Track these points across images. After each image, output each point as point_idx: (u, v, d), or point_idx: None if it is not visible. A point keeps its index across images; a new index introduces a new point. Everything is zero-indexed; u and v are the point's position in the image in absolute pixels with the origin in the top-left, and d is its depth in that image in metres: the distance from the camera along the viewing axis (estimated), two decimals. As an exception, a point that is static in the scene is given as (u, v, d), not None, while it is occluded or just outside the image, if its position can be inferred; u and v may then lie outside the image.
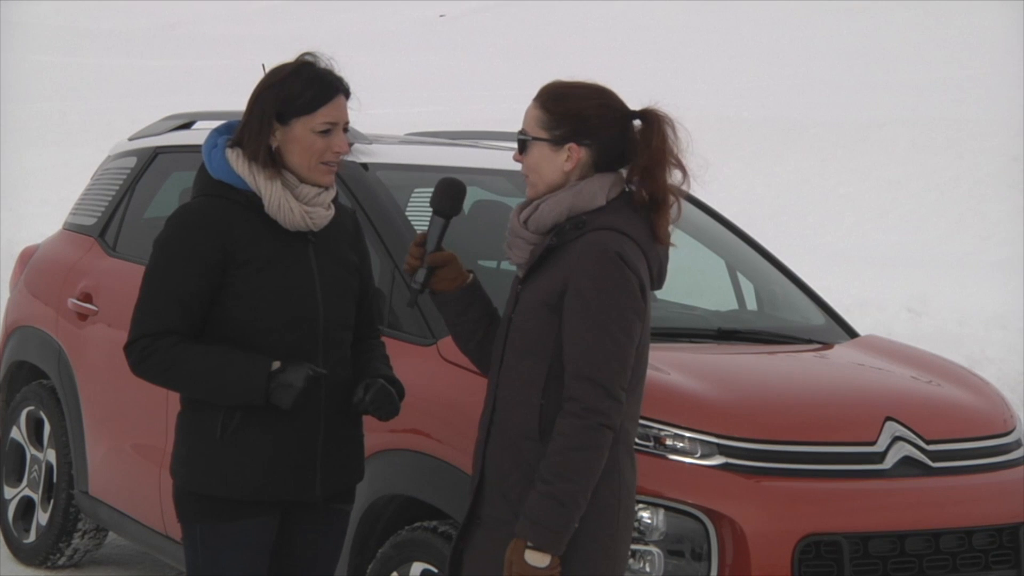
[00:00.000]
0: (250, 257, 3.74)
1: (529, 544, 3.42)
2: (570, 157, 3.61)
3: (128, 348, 3.76)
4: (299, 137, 3.76)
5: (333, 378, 3.80)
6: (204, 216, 3.76)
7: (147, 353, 3.72)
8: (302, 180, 3.78)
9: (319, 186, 3.80)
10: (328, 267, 3.84)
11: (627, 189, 3.65)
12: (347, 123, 3.82)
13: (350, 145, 3.88)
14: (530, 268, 3.62)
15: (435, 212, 3.77)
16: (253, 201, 3.76)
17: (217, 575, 3.81)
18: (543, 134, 3.62)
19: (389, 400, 3.81)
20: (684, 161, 3.63)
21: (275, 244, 3.77)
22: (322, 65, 3.82)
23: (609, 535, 3.55)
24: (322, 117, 3.76)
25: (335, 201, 3.86)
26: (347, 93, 3.83)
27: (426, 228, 3.81)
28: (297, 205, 3.77)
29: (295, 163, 3.77)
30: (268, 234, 3.77)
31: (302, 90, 3.76)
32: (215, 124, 6.09)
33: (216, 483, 3.76)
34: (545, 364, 3.54)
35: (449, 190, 3.79)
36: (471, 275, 3.79)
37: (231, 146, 3.80)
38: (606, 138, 3.61)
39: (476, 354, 3.81)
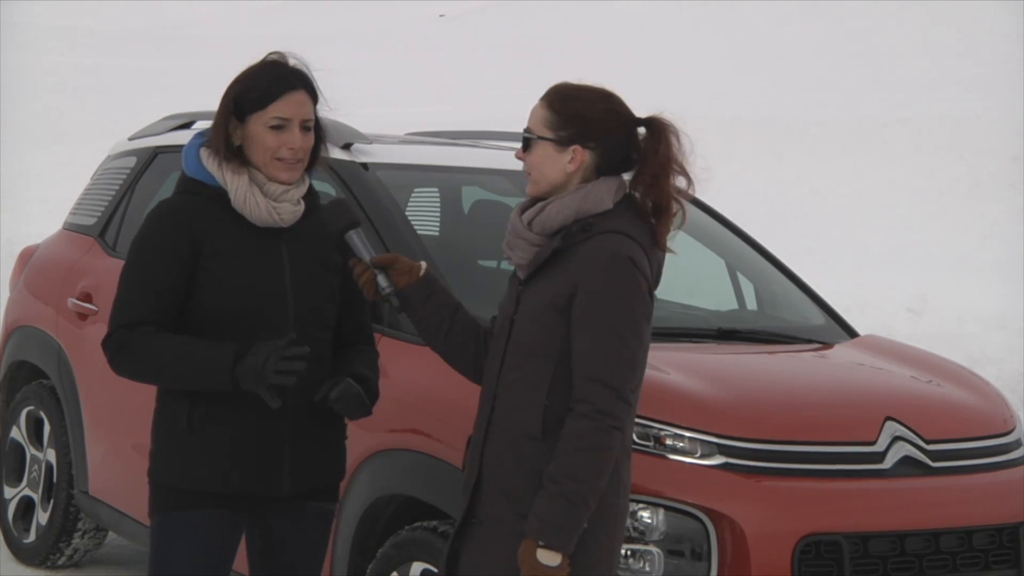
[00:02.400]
0: (218, 250, 3.78)
1: (540, 543, 3.44)
2: (573, 159, 3.62)
3: (105, 341, 3.80)
4: (254, 133, 3.79)
5: (303, 375, 3.76)
6: (174, 211, 3.83)
7: (121, 344, 3.76)
8: (267, 177, 3.81)
9: (282, 183, 3.81)
10: (302, 264, 3.84)
11: (628, 192, 3.66)
12: (306, 120, 3.80)
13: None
14: (534, 269, 3.63)
15: (343, 233, 3.78)
16: (223, 196, 3.81)
17: (165, 562, 3.82)
18: (548, 134, 3.63)
19: (354, 398, 3.79)
20: (688, 169, 3.64)
21: (244, 238, 3.80)
22: (288, 63, 3.83)
23: (609, 535, 3.57)
24: (273, 112, 3.77)
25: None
26: (309, 91, 3.82)
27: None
28: (264, 200, 3.79)
29: (255, 160, 3.81)
30: (238, 229, 3.81)
31: (256, 84, 3.79)
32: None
33: (180, 474, 3.80)
34: (551, 365, 3.54)
35: (336, 210, 3.80)
36: (424, 265, 3.80)
37: (205, 145, 3.86)
38: (611, 143, 3.62)
39: (445, 349, 3.81)
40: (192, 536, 3.81)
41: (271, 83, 3.78)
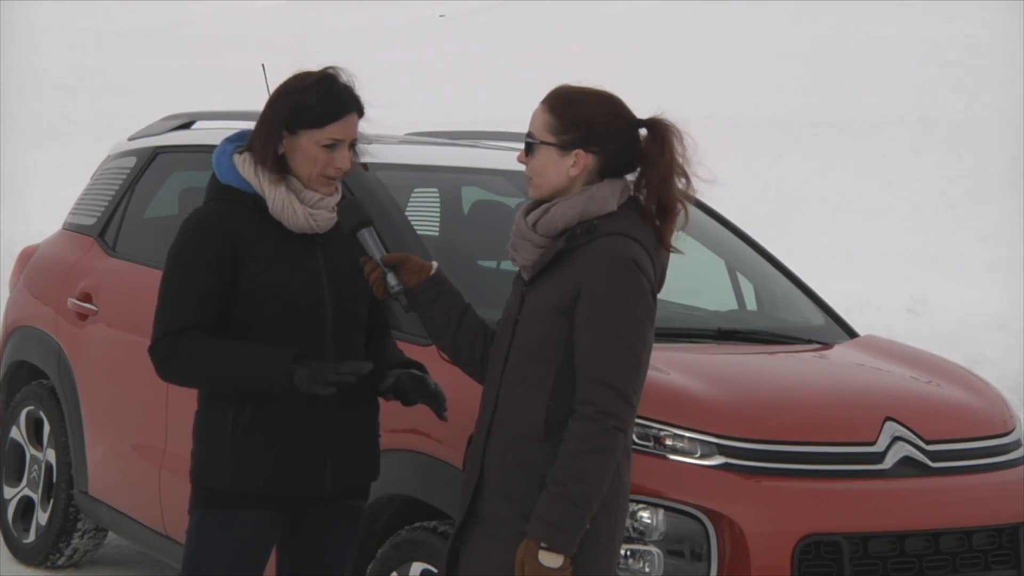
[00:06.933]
0: (257, 256, 3.82)
1: (543, 545, 3.44)
2: (576, 163, 3.62)
3: (153, 348, 3.82)
4: (304, 147, 3.83)
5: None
6: (213, 217, 3.86)
7: (173, 349, 3.77)
8: (305, 187, 3.85)
9: (320, 194, 3.87)
10: (336, 268, 3.90)
11: (632, 195, 3.66)
12: (354, 140, 3.87)
13: (353, 161, 3.92)
14: (538, 271, 3.63)
15: (355, 231, 3.81)
16: (259, 204, 3.85)
17: (203, 561, 3.86)
18: (551, 138, 3.63)
19: (420, 383, 3.87)
20: (689, 171, 3.65)
21: (282, 244, 3.85)
22: (342, 80, 3.87)
23: (609, 535, 3.58)
24: (329, 133, 3.82)
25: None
26: (360, 112, 3.89)
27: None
28: (301, 207, 3.84)
29: (298, 171, 3.85)
30: (275, 235, 3.85)
31: (315, 104, 3.82)
32: (215, 125, 6.15)
33: (225, 477, 3.84)
34: (554, 366, 3.55)
35: (348, 209, 3.84)
36: (434, 265, 3.81)
37: (241, 151, 3.89)
38: (613, 146, 3.63)
39: (452, 349, 3.82)
40: (233, 536, 3.85)
41: (331, 104, 3.83)
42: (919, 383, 4.87)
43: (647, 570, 4.08)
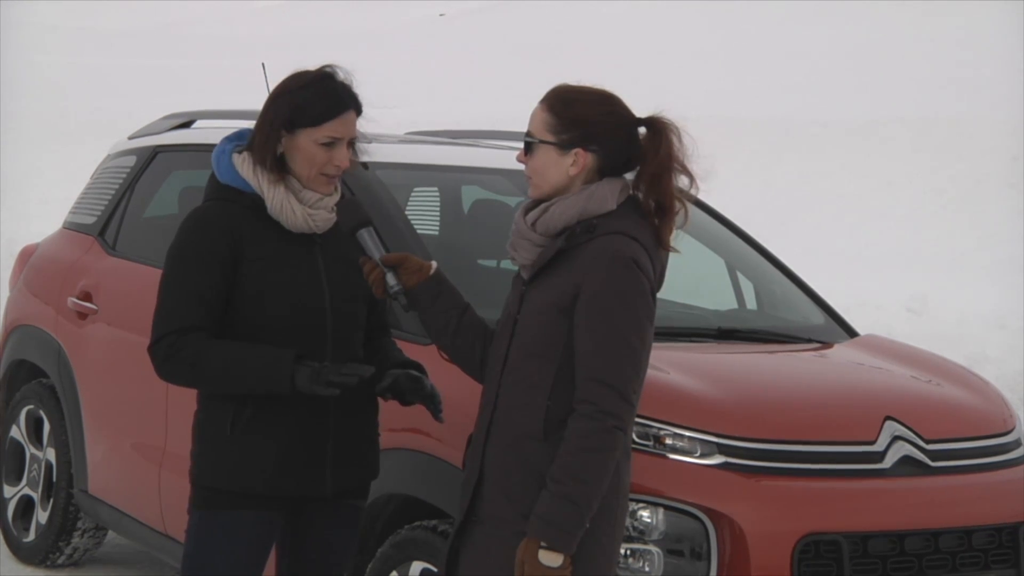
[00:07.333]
0: (257, 256, 3.82)
1: (543, 544, 3.44)
2: (576, 162, 3.62)
3: (153, 348, 3.82)
4: (302, 147, 3.83)
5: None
6: (213, 217, 3.86)
7: (175, 349, 3.77)
8: (304, 186, 3.85)
9: (320, 194, 3.87)
10: (335, 267, 3.91)
11: (632, 194, 3.66)
12: (353, 138, 3.87)
13: (353, 160, 3.93)
14: (538, 270, 3.63)
15: (354, 231, 3.82)
16: (258, 203, 3.86)
17: (203, 561, 3.87)
18: (550, 138, 3.63)
19: (417, 384, 3.88)
20: (690, 168, 3.65)
21: (281, 244, 3.86)
22: (340, 79, 3.88)
23: (608, 535, 3.58)
24: (326, 131, 3.82)
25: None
26: (358, 110, 3.89)
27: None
28: (300, 208, 3.85)
29: (297, 170, 3.86)
30: (274, 235, 3.86)
31: (312, 102, 3.83)
32: (215, 124, 6.16)
33: (225, 477, 3.84)
34: (553, 366, 3.55)
35: (347, 208, 3.86)
36: (433, 265, 3.81)
37: (240, 150, 3.89)
38: (613, 145, 3.63)
39: (452, 349, 3.83)
40: (233, 536, 3.86)
41: (328, 102, 3.84)
42: (919, 382, 4.87)
43: (647, 569, 4.08)
